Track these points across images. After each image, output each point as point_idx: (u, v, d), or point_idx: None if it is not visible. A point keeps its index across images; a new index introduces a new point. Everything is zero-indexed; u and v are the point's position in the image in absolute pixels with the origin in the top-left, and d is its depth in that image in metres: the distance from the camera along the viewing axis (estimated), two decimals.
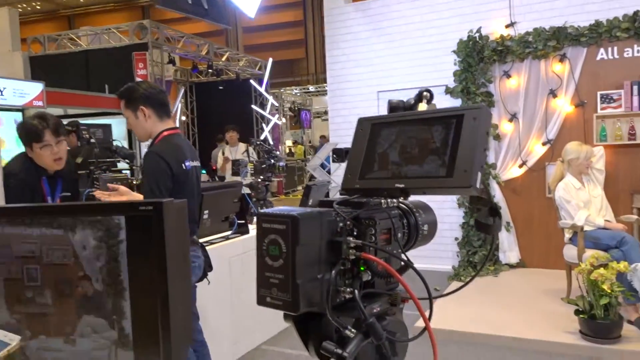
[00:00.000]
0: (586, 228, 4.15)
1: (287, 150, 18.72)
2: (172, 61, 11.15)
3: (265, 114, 13.52)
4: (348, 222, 0.85)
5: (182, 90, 12.60)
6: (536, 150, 5.59)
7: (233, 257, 3.74)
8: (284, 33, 22.06)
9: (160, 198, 2.30)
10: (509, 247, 5.69)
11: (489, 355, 3.59)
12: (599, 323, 3.50)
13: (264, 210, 0.83)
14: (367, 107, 6.31)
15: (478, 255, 5.61)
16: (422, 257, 6.38)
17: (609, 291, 3.41)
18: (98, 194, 2.35)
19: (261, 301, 0.81)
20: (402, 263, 0.91)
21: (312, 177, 6.38)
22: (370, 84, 6.29)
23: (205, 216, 3.51)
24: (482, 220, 0.83)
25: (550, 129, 5.50)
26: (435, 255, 6.02)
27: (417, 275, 0.86)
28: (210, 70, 11.65)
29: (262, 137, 12.90)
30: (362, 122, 0.88)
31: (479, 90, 5.68)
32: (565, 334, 3.70)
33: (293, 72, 22.29)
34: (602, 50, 5.29)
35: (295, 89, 20.74)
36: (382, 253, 0.87)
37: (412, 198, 0.99)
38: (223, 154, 6.95)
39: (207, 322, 3.43)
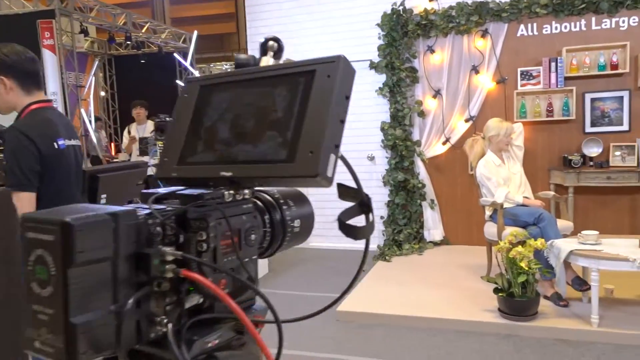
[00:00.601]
0: (505, 205, 4.14)
1: None
2: (84, 31, 10.33)
3: None
4: (167, 226, 0.61)
5: (97, 63, 11.77)
6: (459, 127, 5.56)
7: None
8: (214, 6, 21.16)
9: (24, 182, 1.98)
10: (433, 224, 5.67)
11: (411, 337, 3.51)
12: (516, 301, 3.48)
13: (30, 213, 0.57)
14: None
15: (403, 234, 5.56)
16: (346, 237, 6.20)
17: (527, 269, 3.39)
18: None
19: (27, 345, 0.55)
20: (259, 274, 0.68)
21: None
22: (293, 58, 5.98)
23: (103, 201, 3.17)
24: (345, 219, 0.61)
25: (472, 105, 5.48)
26: None
27: (262, 297, 0.64)
28: (128, 43, 10.90)
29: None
30: (188, 83, 0.63)
31: (404, 66, 5.55)
32: (484, 312, 3.68)
33: (224, 47, 21.49)
34: (522, 26, 5.29)
35: (226, 64, 20.04)
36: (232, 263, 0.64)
37: None
38: (129, 133, 6.42)
39: None
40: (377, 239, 5.79)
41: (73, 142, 2.22)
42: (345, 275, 4.97)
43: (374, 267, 5.07)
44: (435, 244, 5.66)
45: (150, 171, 3.68)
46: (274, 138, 0.55)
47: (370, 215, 0.61)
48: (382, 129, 5.67)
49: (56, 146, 2.08)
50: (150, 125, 6.10)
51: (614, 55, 5.02)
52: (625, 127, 5.09)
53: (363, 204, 0.60)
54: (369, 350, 3.35)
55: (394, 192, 5.66)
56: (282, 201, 0.81)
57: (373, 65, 5.67)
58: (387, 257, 5.28)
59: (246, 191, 0.71)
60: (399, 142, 5.55)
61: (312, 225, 0.87)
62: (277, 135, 0.54)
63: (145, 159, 4.38)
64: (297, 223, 0.82)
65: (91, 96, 10.42)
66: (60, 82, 9.35)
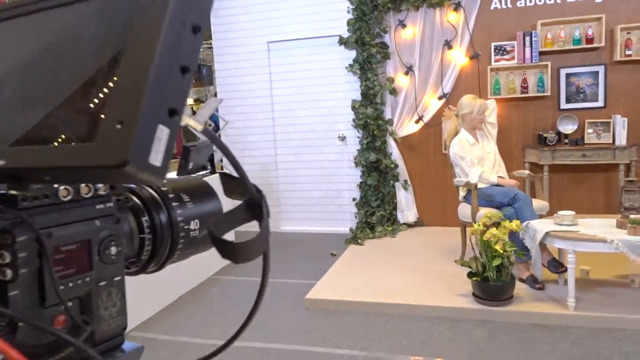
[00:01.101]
0: (480, 185, 3.98)
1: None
2: None
3: None
4: None
5: None
6: (432, 104, 5.37)
7: None
8: None
9: None
10: (407, 206, 5.51)
11: (383, 325, 3.34)
12: (491, 285, 3.34)
13: None
14: (256, 59, 5.76)
15: (376, 216, 5.39)
16: (318, 220, 6.11)
17: (502, 251, 3.24)
18: None
19: None
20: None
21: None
22: (259, 34, 5.72)
23: None
24: (222, 229, 0.39)
25: (445, 82, 5.29)
26: (332, 218, 5.76)
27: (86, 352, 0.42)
28: None
29: None
30: None
31: (374, 41, 5.32)
32: (458, 297, 3.53)
33: None
34: None
35: None
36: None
37: None
38: None
39: None
40: (349, 222, 5.61)
41: None
42: (317, 261, 4.82)
43: (345, 251, 4.90)
44: (409, 225, 5.50)
45: None
46: (73, 101, 0.32)
47: (264, 221, 0.39)
48: (353, 108, 5.45)
49: None
50: None
51: (590, 29, 4.86)
52: (600, 103, 4.96)
53: (252, 205, 0.39)
54: (339, 340, 3.18)
55: (366, 173, 5.47)
56: (171, 196, 0.59)
57: (342, 41, 5.41)
58: (359, 241, 5.11)
59: (100, 186, 0.49)
60: (371, 122, 5.34)
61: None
62: (78, 97, 0.32)
63: None
64: (194, 225, 0.60)
65: None
66: None
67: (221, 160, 5.57)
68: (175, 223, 0.58)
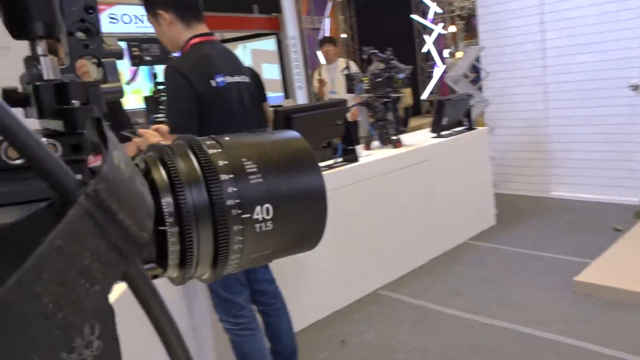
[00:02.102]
0: None
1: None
2: None
3: (427, 23, 12.26)
4: None
5: (330, 4, 11.93)
6: None
7: (336, 189, 3.19)
8: None
9: (183, 126, 1.84)
10: None
11: None
12: None
13: None
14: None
15: None
16: (598, 187, 5.06)
17: None
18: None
19: None
20: None
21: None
22: None
23: None
24: None
25: None
26: (616, 184, 4.76)
27: None
28: None
29: (424, 50, 11.89)
30: None
31: None
32: None
33: None
34: None
35: None
36: None
37: None
38: (320, 75, 5.88)
39: (305, 266, 3.02)
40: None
41: (237, 78, 2.00)
42: (586, 234, 4.03)
43: (634, 227, 3.97)
44: None
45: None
46: None
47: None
48: None
49: (214, 84, 1.89)
50: (341, 62, 5.68)
51: None
52: None
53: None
54: (612, 339, 2.56)
55: None
56: (222, 163, 0.34)
57: None
58: None
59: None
60: None
61: (316, 215, 0.38)
62: None
63: (350, 96, 4.11)
64: (263, 212, 0.35)
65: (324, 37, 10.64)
66: (299, 26, 9.75)
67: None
68: (221, 207, 0.33)
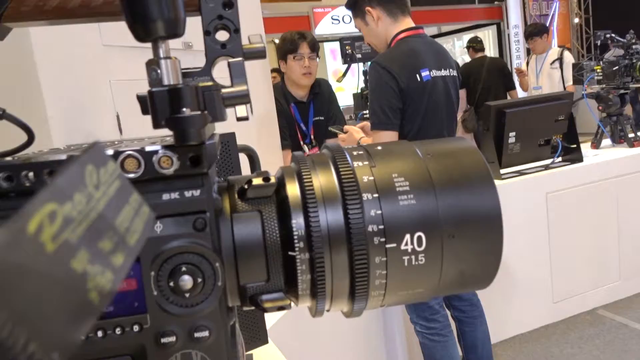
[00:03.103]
0: None
1: None
2: None
3: None
4: None
5: None
6: None
7: (553, 191, 2.87)
8: None
9: (385, 121, 1.82)
10: None
11: None
12: None
13: None
14: None
15: None
16: None
17: None
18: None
19: None
20: None
21: None
22: None
23: (512, 140, 2.82)
24: None
25: None
26: None
27: None
28: None
29: None
30: None
31: None
32: None
33: None
34: None
35: None
36: None
37: None
38: (527, 64, 5.14)
39: (512, 272, 2.79)
40: None
41: (443, 72, 1.91)
42: None
43: None
44: None
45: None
46: None
47: None
48: None
49: (418, 78, 1.83)
50: (554, 52, 4.88)
51: None
52: None
53: None
54: None
55: None
56: (367, 180, 0.28)
57: None
58: None
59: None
60: None
61: (489, 256, 0.30)
62: None
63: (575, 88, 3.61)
64: (412, 241, 0.28)
65: (554, 25, 9.63)
66: (522, 14, 9.11)
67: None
68: (359, 234, 0.27)
